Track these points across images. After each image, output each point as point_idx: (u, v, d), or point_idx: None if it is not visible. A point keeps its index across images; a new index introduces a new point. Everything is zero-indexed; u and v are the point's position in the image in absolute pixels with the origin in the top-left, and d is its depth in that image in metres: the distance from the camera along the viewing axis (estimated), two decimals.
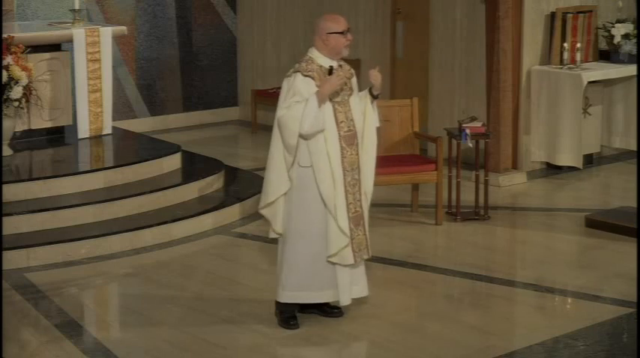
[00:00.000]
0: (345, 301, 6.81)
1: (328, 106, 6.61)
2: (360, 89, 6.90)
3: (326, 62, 6.66)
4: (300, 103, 6.51)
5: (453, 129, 9.37)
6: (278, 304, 6.83)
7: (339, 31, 6.63)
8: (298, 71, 6.59)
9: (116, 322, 7.15)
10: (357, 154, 6.72)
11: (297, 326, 6.78)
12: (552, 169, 10.79)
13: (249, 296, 7.40)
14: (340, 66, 6.73)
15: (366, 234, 6.79)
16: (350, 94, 6.73)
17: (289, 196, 6.69)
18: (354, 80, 6.82)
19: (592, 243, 8.62)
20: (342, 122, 6.66)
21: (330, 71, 6.64)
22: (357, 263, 6.76)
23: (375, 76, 6.76)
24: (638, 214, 8.38)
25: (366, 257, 6.83)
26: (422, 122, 10.02)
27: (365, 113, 6.80)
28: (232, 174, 10.12)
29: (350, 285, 6.78)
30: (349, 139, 6.68)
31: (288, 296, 6.76)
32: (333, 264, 6.70)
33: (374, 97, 6.82)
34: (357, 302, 7.12)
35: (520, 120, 10.65)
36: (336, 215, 6.59)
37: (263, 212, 6.81)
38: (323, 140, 6.58)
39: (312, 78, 6.57)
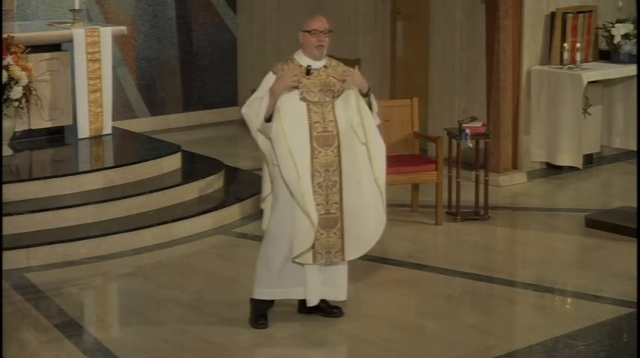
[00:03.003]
0: (312, 301, 6.79)
1: (301, 105, 6.62)
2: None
3: (305, 61, 6.67)
4: (259, 99, 6.61)
5: (453, 129, 9.37)
6: (251, 301, 6.84)
7: (308, 29, 6.65)
8: (273, 70, 6.67)
9: (116, 322, 7.15)
10: (337, 156, 6.66)
11: (265, 326, 6.77)
12: (552, 169, 10.78)
13: (249, 296, 7.38)
14: (325, 67, 6.71)
15: (342, 238, 6.72)
16: (335, 96, 6.68)
17: (272, 194, 6.73)
18: (346, 83, 6.74)
19: (592, 243, 8.62)
20: (316, 122, 6.62)
21: (308, 71, 6.63)
22: (319, 264, 6.70)
23: (348, 79, 6.66)
24: (638, 214, 8.38)
25: (337, 260, 6.74)
26: (422, 122, 10.02)
27: (360, 112, 6.74)
28: (232, 174, 10.12)
29: (321, 286, 6.77)
30: (324, 140, 6.63)
31: (261, 293, 6.78)
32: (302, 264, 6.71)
33: (364, 96, 6.76)
34: (357, 302, 7.13)
35: (520, 120, 10.65)
36: (305, 207, 6.55)
37: (262, 206, 6.90)
38: (284, 138, 6.57)
39: None
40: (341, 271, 6.84)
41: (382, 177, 6.72)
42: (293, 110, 6.60)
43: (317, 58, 6.70)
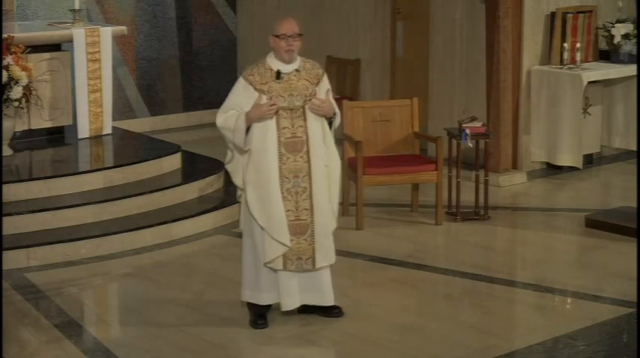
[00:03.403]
0: (286, 306, 6.74)
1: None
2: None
3: (276, 65, 6.63)
4: (233, 116, 6.55)
5: (453, 129, 9.37)
6: (247, 304, 6.85)
7: (277, 34, 6.59)
8: (243, 74, 6.64)
9: (116, 322, 7.15)
10: (307, 162, 6.60)
11: (265, 326, 6.74)
12: (552, 169, 10.78)
13: None
14: (297, 70, 6.66)
15: (313, 245, 6.66)
16: (307, 100, 6.62)
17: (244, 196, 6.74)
18: (321, 86, 6.70)
19: (592, 243, 8.62)
20: (285, 128, 6.58)
21: (278, 75, 6.60)
22: (289, 270, 6.65)
23: (315, 107, 6.63)
24: (638, 214, 8.38)
25: (308, 267, 6.69)
26: (422, 122, 10.02)
27: (325, 136, 6.71)
28: None
29: (298, 291, 6.73)
30: (292, 146, 6.58)
31: (246, 295, 6.80)
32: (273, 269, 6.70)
33: (329, 120, 6.74)
34: (357, 301, 7.13)
35: (520, 120, 10.65)
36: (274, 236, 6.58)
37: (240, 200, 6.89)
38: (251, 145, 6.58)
39: (251, 83, 6.57)
40: (323, 275, 6.78)
41: (336, 200, 6.74)
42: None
43: (287, 62, 6.63)
